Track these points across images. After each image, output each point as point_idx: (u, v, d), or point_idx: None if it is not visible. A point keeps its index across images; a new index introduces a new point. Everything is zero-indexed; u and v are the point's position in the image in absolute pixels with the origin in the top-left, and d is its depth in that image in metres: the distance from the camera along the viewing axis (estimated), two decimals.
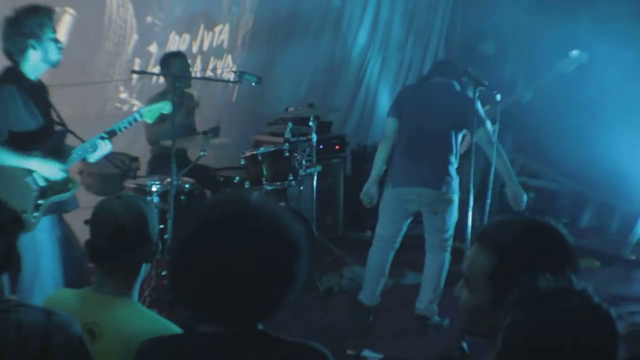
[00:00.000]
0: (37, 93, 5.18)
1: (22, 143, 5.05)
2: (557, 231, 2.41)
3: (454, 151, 6.28)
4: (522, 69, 8.18)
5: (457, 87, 6.39)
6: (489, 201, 6.22)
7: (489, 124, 6.18)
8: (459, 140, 6.37)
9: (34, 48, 5.02)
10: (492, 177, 6.21)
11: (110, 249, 3.10)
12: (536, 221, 2.45)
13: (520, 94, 7.56)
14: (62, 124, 5.33)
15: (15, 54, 5.05)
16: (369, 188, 6.37)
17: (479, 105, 6.10)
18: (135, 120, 5.53)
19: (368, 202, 6.41)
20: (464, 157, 7.64)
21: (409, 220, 6.45)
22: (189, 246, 2.18)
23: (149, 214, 3.16)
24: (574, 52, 7.21)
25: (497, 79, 6.79)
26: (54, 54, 5.12)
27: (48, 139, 5.19)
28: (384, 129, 6.54)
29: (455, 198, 6.29)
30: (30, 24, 4.98)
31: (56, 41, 5.12)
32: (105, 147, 5.32)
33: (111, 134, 5.35)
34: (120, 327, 2.96)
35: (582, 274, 6.23)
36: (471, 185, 5.99)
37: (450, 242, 6.39)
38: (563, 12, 8.99)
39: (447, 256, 6.37)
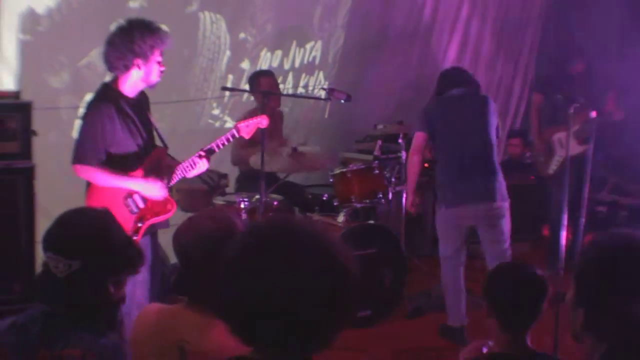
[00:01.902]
0: (136, 111, 5.11)
1: (122, 163, 5.00)
2: None
3: (496, 158, 6.21)
4: (611, 86, 8.02)
5: (476, 93, 6.36)
6: (582, 220, 6.12)
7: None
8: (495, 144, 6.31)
9: (139, 67, 4.94)
10: (585, 195, 6.12)
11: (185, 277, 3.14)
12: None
13: (613, 111, 7.41)
14: (163, 142, 5.28)
15: (119, 68, 4.95)
16: (412, 200, 6.43)
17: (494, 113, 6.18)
18: (233, 136, 5.36)
19: (418, 211, 6.52)
20: (554, 177, 7.56)
21: (467, 234, 6.37)
22: (233, 271, 2.11)
23: (237, 232, 3.09)
24: None
25: (587, 96, 6.68)
26: (155, 77, 5.04)
27: (148, 158, 5.13)
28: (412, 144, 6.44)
29: (507, 205, 6.20)
30: (143, 43, 4.88)
31: (160, 64, 5.03)
32: (203, 166, 5.23)
33: (209, 152, 5.25)
34: (211, 347, 2.92)
35: None
36: (564, 204, 5.91)
37: (509, 253, 6.27)
38: None
39: None
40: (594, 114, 5.93)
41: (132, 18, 5.05)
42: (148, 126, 5.21)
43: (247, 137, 5.47)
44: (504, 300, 3.34)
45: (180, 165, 5.22)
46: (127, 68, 4.94)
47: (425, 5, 9.55)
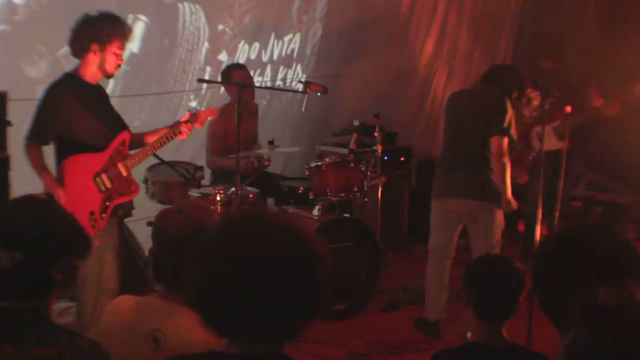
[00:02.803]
0: (97, 96, 5.30)
1: (86, 146, 5.16)
2: (614, 241, 2.40)
3: (489, 158, 6.18)
4: (588, 82, 8.06)
5: (496, 92, 6.21)
6: (557, 214, 6.17)
7: (504, 136, 6.10)
8: None
9: (94, 53, 5.12)
10: (560, 190, 6.16)
11: (173, 265, 3.10)
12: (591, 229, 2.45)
13: (602, 108, 7.40)
14: (125, 126, 5.43)
15: (77, 52, 5.17)
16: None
17: (505, 113, 6.06)
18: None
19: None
20: (530, 171, 7.60)
21: (458, 228, 6.40)
22: (205, 261, 2.13)
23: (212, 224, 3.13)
24: None
25: (566, 91, 6.71)
26: (111, 67, 5.20)
27: (114, 141, 5.26)
28: None
29: (496, 205, 6.19)
30: (101, 29, 5.08)
31: (118, 57, 5.19)
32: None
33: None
34: (185, 336, 2.93)
35: None
36: (539, 199, 5.95)
37: (497, 249, 6.28)
38: (633, 25, 8.87)
39: None
40: (569, 108, 5.96)
41: (104, 10, 5.26)
42: (109, 113, 5.39)
43: (200, 126, 5.67)
44: (481, 291, 3.37)
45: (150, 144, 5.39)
46: (84, 51, 5.14)
47: None
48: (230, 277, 2.04)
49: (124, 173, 5.24)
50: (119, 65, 5.25)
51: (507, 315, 3.34)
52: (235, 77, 7.17)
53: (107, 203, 5.18)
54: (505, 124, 6.04)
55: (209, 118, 5.73)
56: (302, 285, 2.07)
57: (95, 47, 5.10)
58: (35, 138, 5.10)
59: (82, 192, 5.10)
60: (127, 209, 5.46)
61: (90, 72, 5.19)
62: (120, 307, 3.23)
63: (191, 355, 2.28)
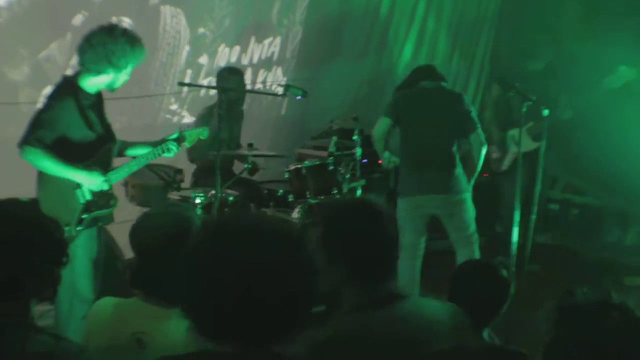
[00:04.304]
0: (94, 106, 5.22)
1: (76, 155, 5.09)
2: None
3: (457, 153, 6.32)
4: (566, 86, 8.14)
5: (448, 87, 6.51)
6: (534, 217, 6.23)
7: (480, 128, 6.27)
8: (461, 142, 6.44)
9: (108, 74, 5.06)
10: (537, 193, 6.24)
11: (140, 271, 3.15)
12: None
13: (562, 109, 7.50)
14: (114, 137, 5.38)
15: (90, 70, 5.05)
16: (384, 156, 6.65)
17: (472, 108, 6.31)
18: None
19: (391, 163, 6.65)
20: (507, 173, 7.67)
21: (426, 224, 6.48)
22: (193, 264, 2.11)
23: (193, 226, 3.16)
24: (622, 68, 7.15)
25: (544, 95, 6.78)
26: (118, 84, 5.19)
27: (99, 152, 5.23)
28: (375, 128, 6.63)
29: (467, 196, 6.34)
30: (120, 56, 5.00)
31: (127, 75, 5.17)
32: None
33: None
34: (170, 338, 2.95)
35: (630, 292, 6.22)
36: (517, 201, 6.02)
37: (476, 237, 6.41)
38: (610, 30, 8.97)
39: (476, 249, 6.40)
40: (546, 112, 6.03)
41: (121, 27, 5.13)
42: (102, 122, 5.31)
43: (188, 145, 5.77)
44: (466, 296, 3.41)
45: (136, 160, 5.41)
46: (98, 72, 5.05)
47: (381, 2, 9.62)
48: (222, 281, 2.03)
49: (106, 186, 5.24)
50: (125, 82, 5.23)
51: (488, 322, 3.40)
52: (231, 80, 7.22)
53: (83, 216, 5.15)
54: (476, 117, 6.29)
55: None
56: (291, 287, 2.08)
57: (110, 71, 5.04)
58: (40, 144, 4.95)
59: (61, 202, 5.04)
60: (106, 222, 5.43)
61: (94, 85, 5.13)
62: (101, 310, 3.25)
63: (183, 355, 2.25)
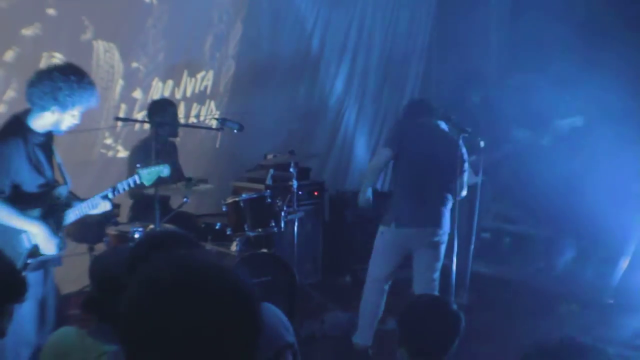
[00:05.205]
0: (43, 147, 5.10)
1: (23, 200, 4.97)
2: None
3: (453, 190, 6.34)
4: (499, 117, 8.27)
5: (444, 126, 6.50)
6: (472, 247, 6.33)
7: (465, 173, 6.34)
8: None
9: (52, 112, 4.93)
10: (475, 223, 6.33)
11: (98, 298, 3.15)
12: None
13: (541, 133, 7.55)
14: (65, 180, 5.25)
15: (35, 105, 4.93)
16: (367, 194, 6.46)
17: (464, 151, 6.29)
18: (135, 182, 5.47)
19: (368, 206, 6.51)
20: None
21: (402, 260, 6.52)
22: (136, 310, 1.97)
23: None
24: (577, 118, 7.28)
25: (482, 127, 6.90)
26: (64, 127, 5.06)
27: (48, 196, 5.12)
28: (374, 158, 6.62)
29: (447, 239, 6.39)
30: (68, 96, 4.89)
31: (74, 117, 5.03)
32: (106, 206, 5.33)
33: (113, 194, 5.36)
34: None
35: (563, 318, 6.32)
36: (455, 231, 6.11)
37: (437, 283, 6.45)
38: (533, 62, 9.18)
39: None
40: (482, 143, 6.14)
41: (72, 66, 5.07)
42: (51, 163, 5.20)
43: (147, 184, 5.59)
44: (418, 332, 3.44)
45: (81, 204, 5.28)
46: (42, 109, 4.94)
47: (312, 36, 9.71)
48: (161, 326, 1.92)
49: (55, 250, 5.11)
50: (72, 126, 5.11)
51: (440, 357, 3.42)
52: (168, 111, 7.20)
53: (29, 261, 5.02)
54: (467, 162, 6.44)
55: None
56: (235, 325, 1.97)
57: (55, 109, 4.92)
58: None
59: (5, 246, 4.68)
60: (54, 264, 5.29)
61: (41, 125, 5.01)
62: (61, 340, 3.28)
63: None
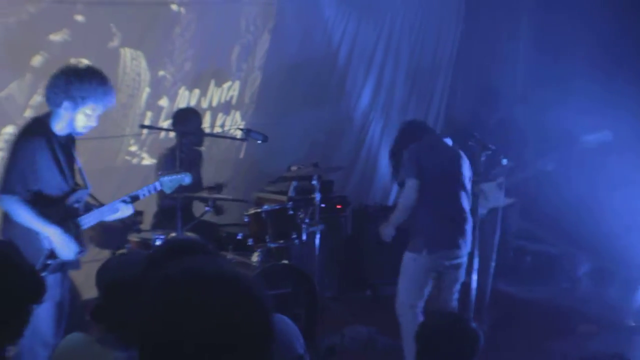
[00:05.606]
0: (64, 150, 5.15)
1: (44, 202, 5.01)
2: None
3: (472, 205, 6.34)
4: (531, 138, 8.21)
5: (449, 142, 6.52)
6: (493, 264, 6.28)
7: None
8: None
9: (66, 110, 5.00)
10: (496, 242, 6.29)
11: (105, 307, 3.16)
12: None
13: (543, 164, 7.49)
14: (85, 184, 5.29)
15: (50, 102, 5.05)
16: (393, 231, 6.42)
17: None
18: (156, 189, 5.54)
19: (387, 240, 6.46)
20: None
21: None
22: (152, 312, 1.99)
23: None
24: (605, 132, 7.19)
25: (504, 145, 6.85)
26: (80, 127, 5.11)
27: (68, 199, 5.16)
28: (404, 195, 6.39)
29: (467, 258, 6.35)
30: (77, 90, 4.96)
31: (89, 118, 5.08)
32: (127, 211, 5.38)
33: (133, 199, 5.40)
34: None
35: (582, 339, 6.29)
36: (476, 250, 6.09)
37: (457, 303, 6.40)
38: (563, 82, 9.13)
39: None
40: (504, 161, 6.11)
41: (89, 66, 5.19)
42: (72, 166, 5.24)
43: (168, 191, 5.65)
44: (436, 348, 3.42)
45: (101, 209, 5.30)
46: (56, 106, 5.02)
47: (340, 49, 9.71)
48: (176, 328, 1.93)
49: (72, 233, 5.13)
50: (87, 127, 5.16)
51: None
52: (192, 120, 7.21)
53: (48, 261, 5.04)
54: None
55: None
56: (246, 333, 1.97)
57: (66, 104, 4.99)
58: (16, 192, 4.92)
59: (26, 246, 4.68)
60: (73, 267, 5.31)
61: (59, 125, 5.08)
62: (70, 347, 3.27)
63: None
